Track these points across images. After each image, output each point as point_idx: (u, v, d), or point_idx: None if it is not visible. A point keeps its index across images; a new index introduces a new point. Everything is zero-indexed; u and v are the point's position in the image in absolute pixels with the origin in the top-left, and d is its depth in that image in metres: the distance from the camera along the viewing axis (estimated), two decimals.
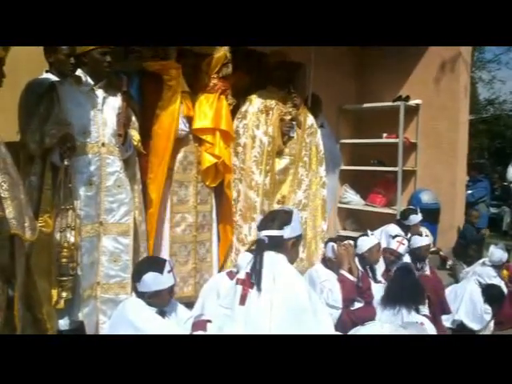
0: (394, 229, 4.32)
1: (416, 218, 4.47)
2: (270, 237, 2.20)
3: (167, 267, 2.44)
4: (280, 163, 3.67)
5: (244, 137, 3.60)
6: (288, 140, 3.68)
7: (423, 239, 3.98)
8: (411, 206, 4.85)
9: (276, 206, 3.58)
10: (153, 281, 2.41)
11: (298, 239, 2.26)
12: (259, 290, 2.10)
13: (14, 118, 2.94)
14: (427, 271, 4.04)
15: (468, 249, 4.73)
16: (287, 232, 2.19)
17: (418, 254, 3.94)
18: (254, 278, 2.14)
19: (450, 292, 3.90)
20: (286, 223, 2.20)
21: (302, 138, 3.76)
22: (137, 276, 2.47)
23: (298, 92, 3.97)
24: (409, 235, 4.36)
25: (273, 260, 2.16)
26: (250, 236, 3.55)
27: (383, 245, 3.88)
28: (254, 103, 3.67)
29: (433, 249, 4.78)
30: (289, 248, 2.20)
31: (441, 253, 4.72)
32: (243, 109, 3.69)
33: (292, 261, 2.24)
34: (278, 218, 2.25)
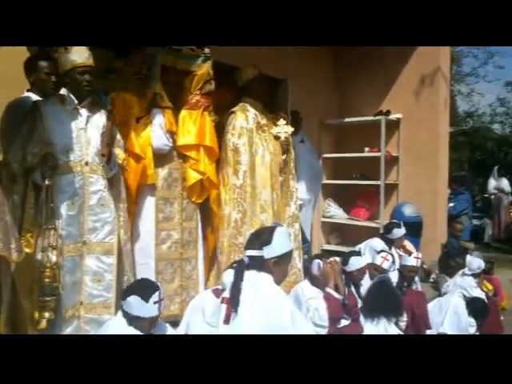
0: (378, 243, 4.38)
1: (399, 231, 4.52)
2: (250, 257, 2.20)
3: (154, 297, 2.35)
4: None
5: (246, 155, 3.54)
6: (287, 157, 3.75)
7: (410, 260, 4.01)
8: (394, 220, 4.89)
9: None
10: (135, 305, 2.34)
11: (282, 258, 2.20)
12: (236, 311, 2.10)
13: None
14: (418, 288, 4.10)
15: (451, 261, 4.76)
16: (266, 252, 2.17)
17: (402, 272, 3.98)
18: (232, 299, 2.14)
19: (434, 305, 3.92)
20: (265, 243, 2.18)
21: (290, 152, 3.82)
22: (124, 294, 2.42)
23: (281, 108, 4.02)
24: (393, 249, 4.42)
25: (254, 279, 2.16)
26: None
27: (368, 259, 3.92)
28: (248, 119, 3.64)
29: None
30: (271, 267, 2.17)
31: (424, 266, 4.75)
32: (236, 124, 3.59)
33: (279, 280, 2.21)
34: (259, 237, 2.25)
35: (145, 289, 2.41)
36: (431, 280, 5.12)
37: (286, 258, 2.23)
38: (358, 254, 3.67)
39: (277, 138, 3.70)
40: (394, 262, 4.05)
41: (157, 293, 2.37)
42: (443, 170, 5.94)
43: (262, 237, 2.23)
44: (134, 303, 2.34)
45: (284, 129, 3.70)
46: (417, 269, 3.96)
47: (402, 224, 4.59)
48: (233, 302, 2.12)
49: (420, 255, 4.05)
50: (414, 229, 5.23)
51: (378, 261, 3.88)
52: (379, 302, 3.36)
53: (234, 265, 2.30)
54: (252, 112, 3.70)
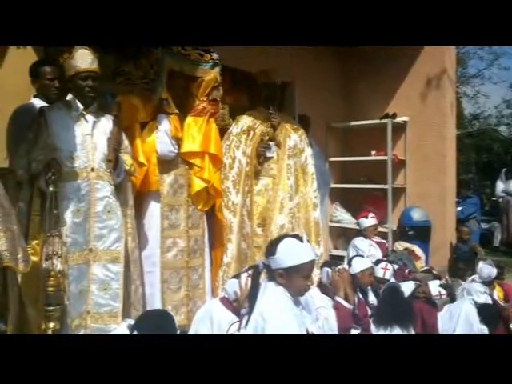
0: (357, 240, 4.63)
1: (365, 221, 4.68)
2: (264, 264, 2.23)
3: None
4: (257, 184, 3.61)
5: (225, 157, 3.58)
6: (265, 160, 3.61)
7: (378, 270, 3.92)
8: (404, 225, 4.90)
9: (257, 229, 3.56)
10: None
11: (289, 271, 2.12)
12: (250, 313, 2.16)
13: (2, 144, 2.91)
14: None
15: (460, 265, 4.72)
16: (272, 263, 2.16)
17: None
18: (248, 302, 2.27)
19: (445, 312, 3.85)
20: (271, 253, 2.17)
21: (282, 159, 3.67)
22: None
23: (285, 111, 3.97)
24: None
25: (263, 286, 2.20)
26: (226, 257, 3.52)
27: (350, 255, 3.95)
28: (239, 124, 3.68)
29: (425, 267, 4.76)
30: (277, 278, 2.14)
31: (434, 271, 4.69)
32: (230, 130, 3.71)
33: (293, 293, 2.16)
34: (270, 246, 2.24)
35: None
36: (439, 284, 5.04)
37: (296, 270, 2.13)
38: (361, 255, 3.64)
39: (261, 140, 3.62)
40: (394, 270, 4.00)
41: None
42: (451, 174, 5.87)
43: (271, 246, 2.20)
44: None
45: (267, 131, 3.64)
46: (384, 280, 3.84)
47: (369, 215, 4.75)
48: (249, 306, 2.23)
49: (389, 265, 3.94)
50: (423, 233, 5.19)
51: (380, 273, 3.83)
52: (391, 310, 3.30)
53: (249, 270, 2.40)
54: (250, 119, 3.69)
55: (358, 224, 4.76)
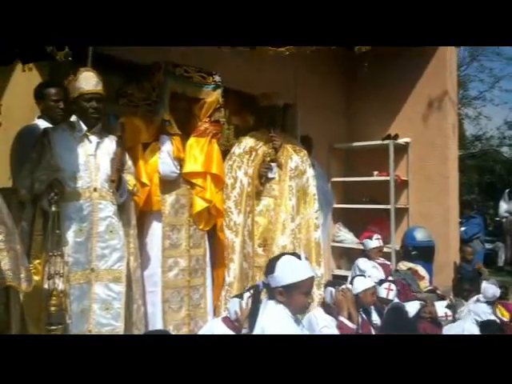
0: (360, 261, 4.57)
1: (370, 243, 4.65)
2: (263, 283, 2.26)
3: None
4: (258, 204, 3.64)
5: (227, 178, 3.62)
6: (266, 181, 3.66)
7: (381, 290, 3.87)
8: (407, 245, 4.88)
9: (259, 249, 3.57)
10: None
11: (289, 289, 2.14)
12: (251, 332, 2.22)
13: (6, 164, 2.94)
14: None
15: (465, 285, 4.67)
16: (271, 281, 2.18)
17: None
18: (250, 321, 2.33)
19: (445, 330, 3.80)
20: (270, 272, 2.19)
21: (283, 180, 3.71)
22: None
23: (287, 133, 4.02)
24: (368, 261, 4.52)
25: (263, 305, 2.23)
26: (229, 277, 3.53)
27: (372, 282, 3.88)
28: (241, 145, 3.75)
29: (429, 287, 4.73)
30: (277, 296, 2.16)
31: (438, 291, 4.65)
32: (232, 150, 3.76)
33: (294, 310, 2.18)
34: (268, 265, 2.26)
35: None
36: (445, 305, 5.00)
37: (295, 288, 2.14)
38: (362, 275, 3.62)
39: (263, 161, 3.67)
40: (399, 290, 3.98)
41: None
42: (454, 194, 5.86)
43: (270, 265, 2.23)
44: None
45: (268, 152, 3.68)
46: (387, 300, 3.81)
47: (374, 236, 4.73)
48: (249, 326, 2.31)
49: (393, 285, 3.90)
50: (427, 253, 5.16)
51: (383, 293, 3.79)
52: (395, 330, 3.27)
53: (250, 290, 2.43)
54: (252, 140, 3.74)
55: (362, 244, 4.71)
